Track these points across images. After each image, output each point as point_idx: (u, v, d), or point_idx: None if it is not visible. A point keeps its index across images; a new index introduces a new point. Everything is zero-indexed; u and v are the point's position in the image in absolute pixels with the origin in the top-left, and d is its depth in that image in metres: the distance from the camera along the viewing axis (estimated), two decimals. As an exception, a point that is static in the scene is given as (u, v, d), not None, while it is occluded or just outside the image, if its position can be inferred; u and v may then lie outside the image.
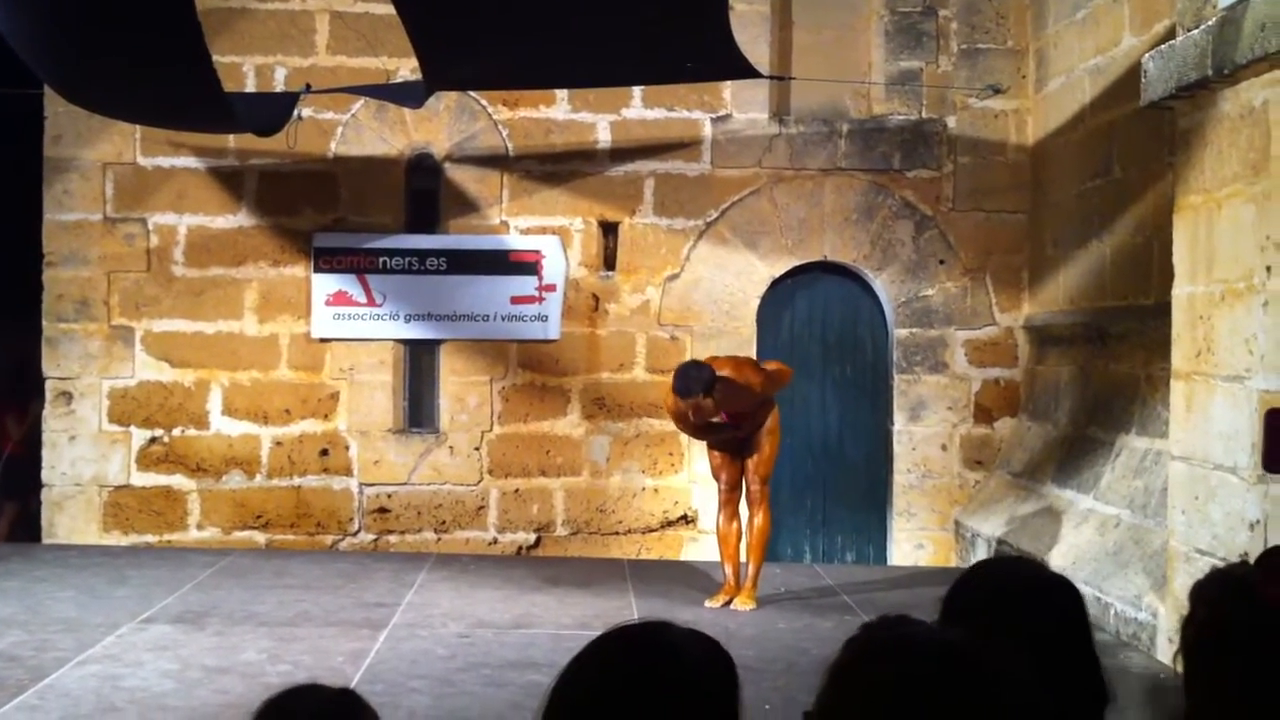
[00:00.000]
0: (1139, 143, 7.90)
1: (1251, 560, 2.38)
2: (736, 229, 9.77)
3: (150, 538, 9.51)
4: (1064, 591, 2.32)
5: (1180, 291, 6.17)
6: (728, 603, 7.56)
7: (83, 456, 9.52)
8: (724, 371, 7.21)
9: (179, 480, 9.55)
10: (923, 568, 9.41)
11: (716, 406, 7.15)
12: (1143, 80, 6.36)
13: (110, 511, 9.51)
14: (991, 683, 1.48)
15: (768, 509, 7.63)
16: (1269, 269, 5.40)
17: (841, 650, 1.55)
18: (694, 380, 7.09)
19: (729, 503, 7.69)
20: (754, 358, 8.63)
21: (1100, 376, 8.44)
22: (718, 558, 7.91)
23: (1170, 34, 6.69)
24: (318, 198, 9.64)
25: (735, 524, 7.68)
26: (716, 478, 7.76)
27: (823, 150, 9.79)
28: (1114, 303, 8.32)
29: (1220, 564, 5.12)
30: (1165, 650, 6.18)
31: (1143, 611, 6.66)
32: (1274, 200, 5.40)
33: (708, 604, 7.59)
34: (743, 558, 7.67)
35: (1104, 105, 8.49)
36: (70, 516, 9.51)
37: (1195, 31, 5.83)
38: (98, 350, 9.53)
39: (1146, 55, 6.40)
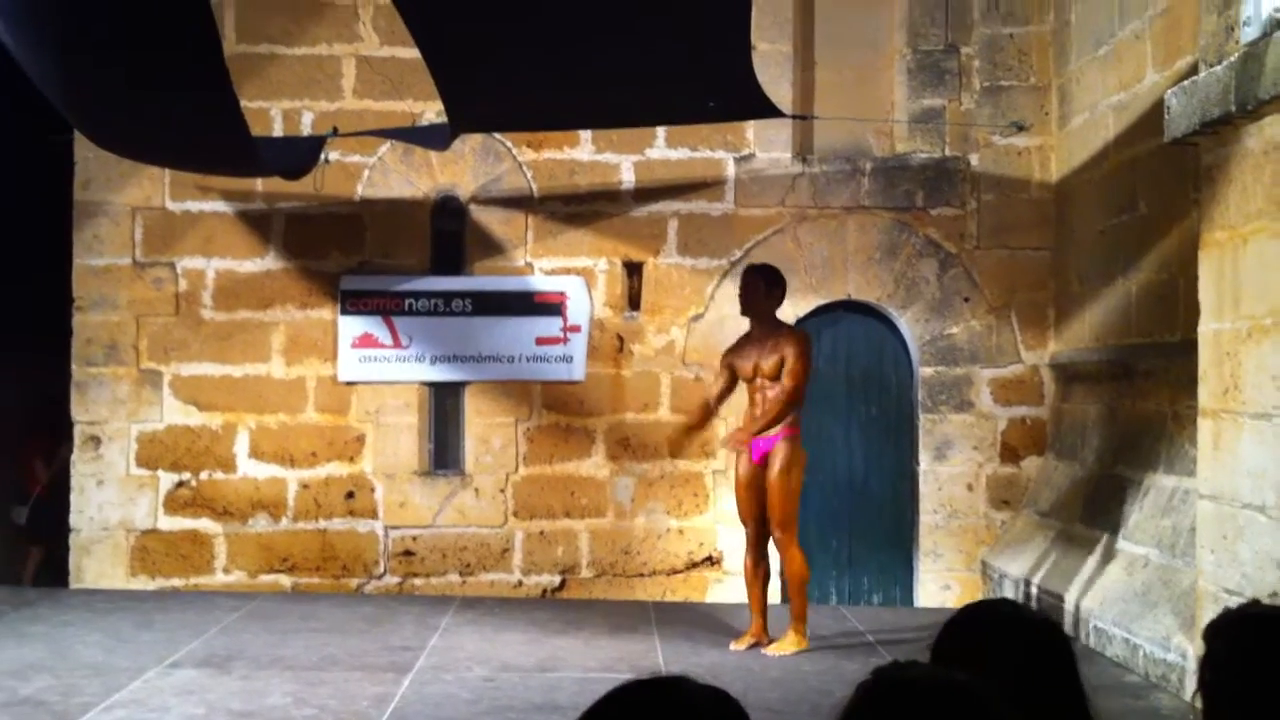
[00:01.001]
0: (1163, 179, 7.87)
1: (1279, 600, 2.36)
2: (760, 269, 9.76)
3: (177, 581, 9.53)
4: (1047, 630, 2.36)
5: (1206, 328, 6.13)
6: (753, 645, 7.51)
7: (110, 500, 9.56)
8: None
9: (205, 524, 9.58)
10: (950, 609, 9.31)
11: (760, 304, 7.55)
12: (1166, 116, 6.34)
13: (137, 555, 9.54)
14: None
15: (795, 551, 7.48)
16: (1295, 305, 5.35)
17: (852, 694, 1.55)
18: (769, 267, 7.82)
19: (755, 546, 7.61)
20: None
21: (1127, 414, 8.38)
22: (744, 599, 7.86)
23: (1193, 70, 6.68)
24: (344, 240, 9.70)
25: (762, 567, 7.60)
26: (744, 523, 7.69)
27: (846, 189, 9.80)
28: (1140, 340, 8.27)
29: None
30: (1196, 691, 6.10)
31: (1172, 652, 6.58)
32: (1299, 236, 5.36)
33: (733, 646, 7.54)
34: (774, 599, 7.62)
35: (1127, 141, 8.47)
36: (98, 560, 9.54)
37: (1218, 67, 5.82)
38: (126, 394, 9.58)
39: (1169, 91, 6.39)
